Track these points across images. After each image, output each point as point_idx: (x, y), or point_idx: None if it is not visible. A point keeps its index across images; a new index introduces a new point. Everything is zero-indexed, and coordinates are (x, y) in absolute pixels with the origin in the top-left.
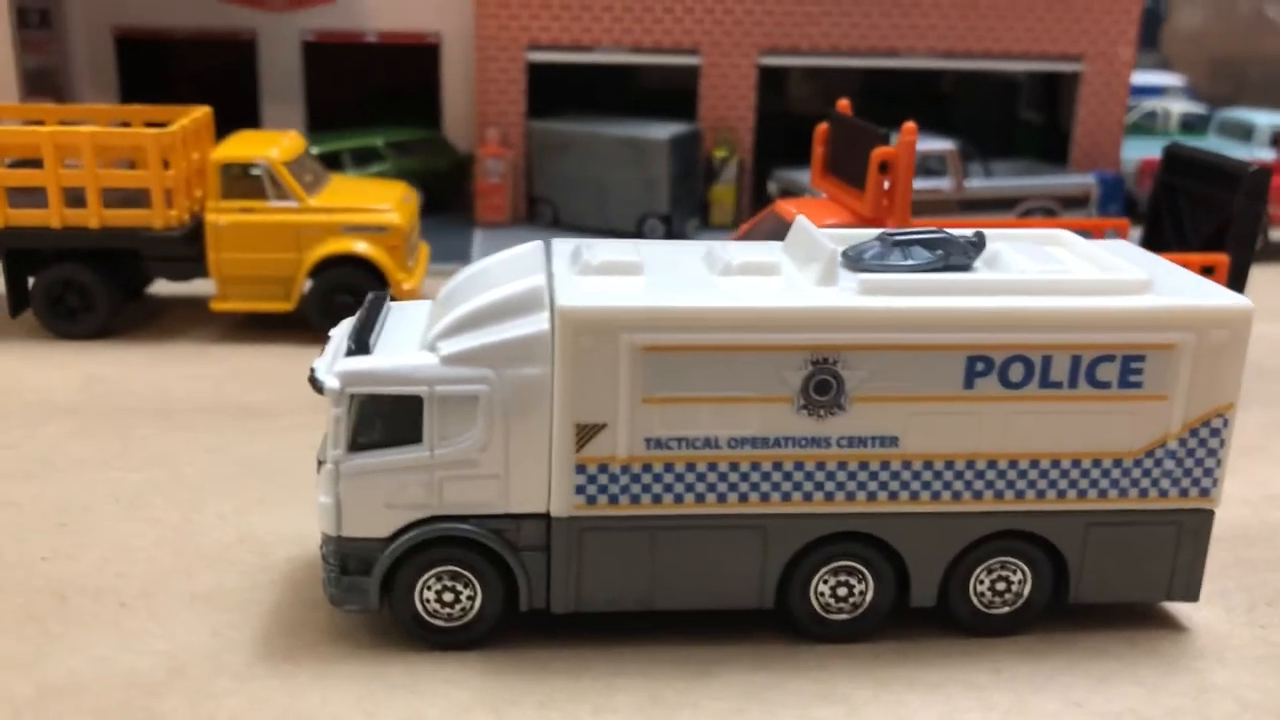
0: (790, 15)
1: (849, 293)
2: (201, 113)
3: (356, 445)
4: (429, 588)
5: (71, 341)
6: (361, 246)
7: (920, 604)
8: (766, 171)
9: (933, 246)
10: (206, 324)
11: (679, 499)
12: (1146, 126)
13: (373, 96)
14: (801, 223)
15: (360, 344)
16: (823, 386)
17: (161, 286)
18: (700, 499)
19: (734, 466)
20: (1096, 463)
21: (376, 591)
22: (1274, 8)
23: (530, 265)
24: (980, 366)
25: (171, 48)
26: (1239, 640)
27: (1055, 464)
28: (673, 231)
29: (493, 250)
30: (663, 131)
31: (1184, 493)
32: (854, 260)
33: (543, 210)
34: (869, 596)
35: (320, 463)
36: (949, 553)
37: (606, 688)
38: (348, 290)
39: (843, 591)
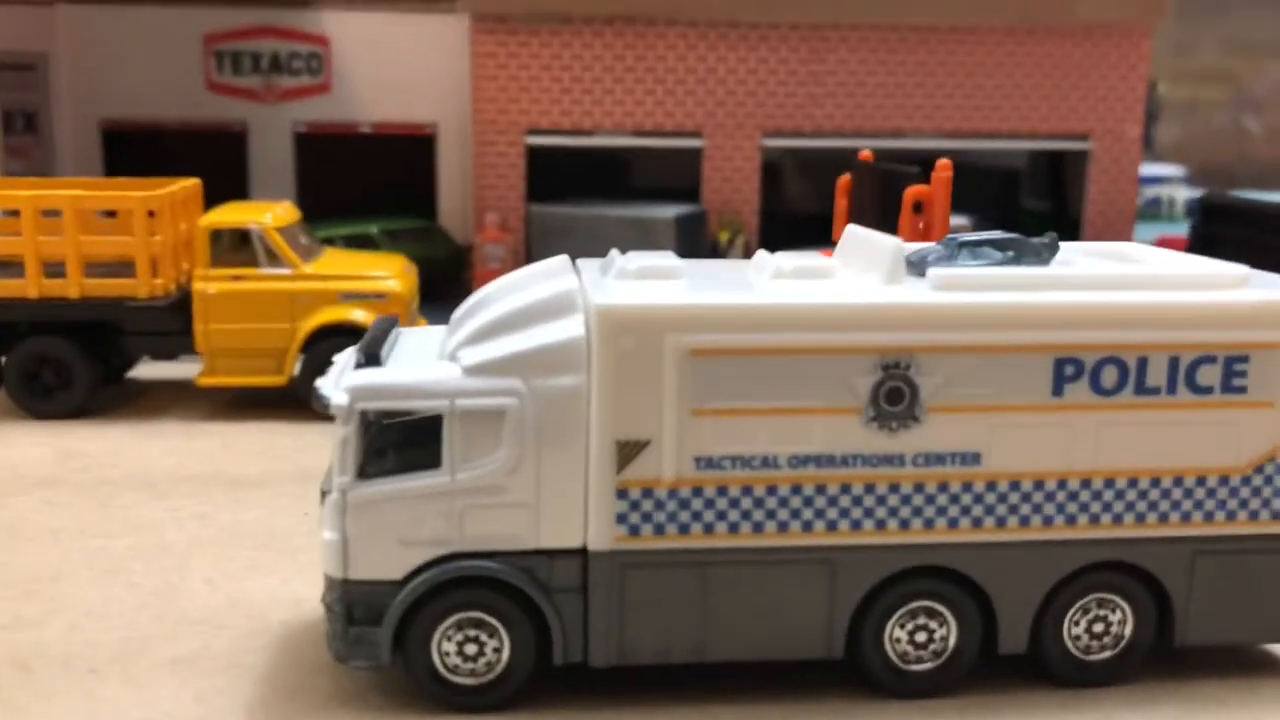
0: (793, 97)
1: (922, 288)
2: (190, 183)
3: (366, 472)
4: (449, 638)
5: (47, 421)
6: (360, 315)
7: (1009, 650)
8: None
9: (1003, 248)
10: (192, 403)
11: (734, 528)
12: (1152, 213)
13: (367, 187)
14: (854, 230)
15: (370, 357)
16: (895, 395)
17: (143, 371)
18: (758, 528)
19: (796, 490)
20: (1200, 480)
21: (389, 644)
22: (1251, 119)
23: (557, 274)
24: (1069, 370)
25: (160, 140)
26: None
27: (1155, 483)
28: None
29: None
30: (668, 211)
31: None
32: (917, 266)
33: None
34: (952, 642)
35: (324, 493)
36: (1040, 588)
37: None
38: None
39: (922, 637)
